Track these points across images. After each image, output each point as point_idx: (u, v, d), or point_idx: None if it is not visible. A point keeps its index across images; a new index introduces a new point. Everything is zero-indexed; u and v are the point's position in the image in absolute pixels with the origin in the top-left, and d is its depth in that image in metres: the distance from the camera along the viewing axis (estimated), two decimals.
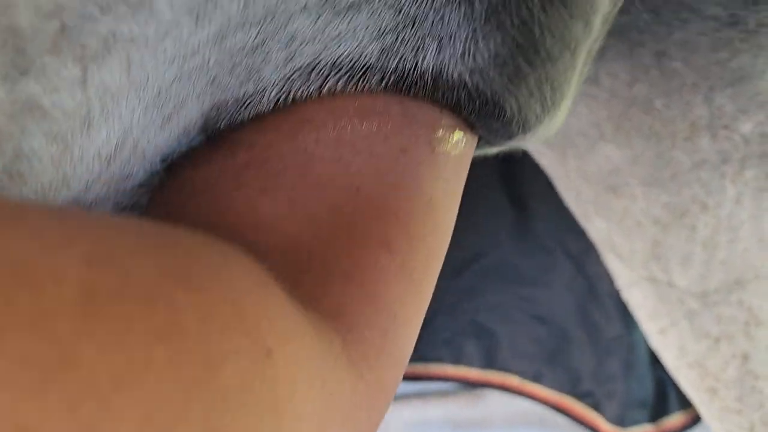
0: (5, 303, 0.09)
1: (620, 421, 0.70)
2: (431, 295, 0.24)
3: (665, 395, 0.70)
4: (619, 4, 0.24)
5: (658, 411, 0.71)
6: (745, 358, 0.53)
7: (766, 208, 0.47)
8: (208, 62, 0.18)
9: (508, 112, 0.21)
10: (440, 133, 0.21)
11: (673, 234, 0.52)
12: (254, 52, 0.18)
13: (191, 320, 0.12)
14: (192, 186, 0.20)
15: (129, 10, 0.16)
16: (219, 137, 0.21)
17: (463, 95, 0.20)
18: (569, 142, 0.53)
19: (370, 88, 0.20)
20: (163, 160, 0.19)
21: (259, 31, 0.18)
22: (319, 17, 0.18)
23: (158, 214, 0.20)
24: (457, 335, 0.69)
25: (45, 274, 0.10)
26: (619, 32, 0.43)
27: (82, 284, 0.11)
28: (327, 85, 0.20)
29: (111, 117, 0.17)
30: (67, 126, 0.17)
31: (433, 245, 0.22)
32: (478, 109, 0.21)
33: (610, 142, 0.51)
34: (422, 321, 0.23)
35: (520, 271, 0.70)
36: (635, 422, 0.70)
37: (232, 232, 0.18)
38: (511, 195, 0.71)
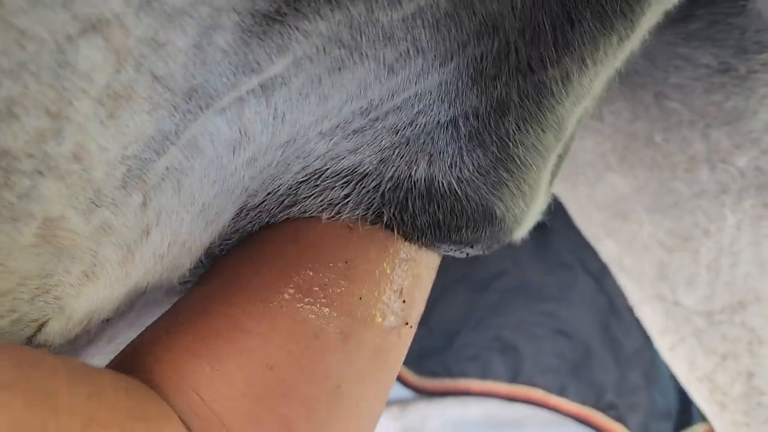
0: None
1: None
2: None
3: (688, 406, 0.71)
4: (592, 108, 0.27)
5: (681, 421, 0.71)
6: (750, 375, 0.55)
7: (764, 235, 0.49)
8: (243, 179, 0.21)
9: (498, 213, 0.24)
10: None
11: (678, 257, 0.54)
12: (278, 165, 0.22)
13: None
14: (139, 347, 0.23)
15: (180, 151, 0.19)
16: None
17: (456, 206, 0.24)
18: (579, 172, 0.56)
19: (366, 194, 0.23)
20: (206, 254, 0.24)
21: (283, 151, 0.22)
22: (331, 139, 0.22)
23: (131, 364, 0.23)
24: (482, 351, 0.72)
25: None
26: (621, 75, 0.45)
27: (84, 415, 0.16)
28: (328, 193, 0.23)
29: (165, 227, 0.21)
30: (131, 237, 0.21)
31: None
32: (473, 218, 0.24)
33: (615, 173, 0.53)
34: None
35: (542, 289, 0.72)
36: None
37: (161, 390, 0.21)
38: None
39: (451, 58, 0.21)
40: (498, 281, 0.72)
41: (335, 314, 0.23)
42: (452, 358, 0.72)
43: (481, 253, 0.26)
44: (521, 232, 0.27)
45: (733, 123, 0.43)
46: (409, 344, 0.26)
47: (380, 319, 0.24)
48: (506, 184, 0.24)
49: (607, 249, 0.61)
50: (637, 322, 0.70)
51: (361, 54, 0.20)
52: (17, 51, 0.15)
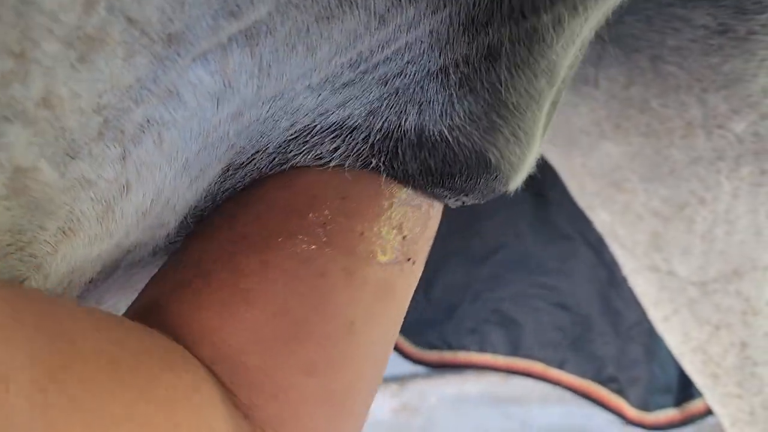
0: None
1: (645, 406, 0.71)
2: (364, 419, 0.25)
3: (689, 380, 0.71)
4: (582, 54, 0.26)
5: (682, 395, 0.72)
6: (744, 345, 0.55)
7: (762, 203, 0.48)
8: (228, 134, 0.21)
9: (493, 160, 0.24)
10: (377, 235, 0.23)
11: (673, 226, 0.54)
12: (265, 121, 0.21)
13: (165, 398, 0.17)
14: (150, 301, 0.24)
15: (159, 101, 0.18)
16: (169, 256, 0.24)
17: (448, 154, 0.23)
18: (573, 140, 0.55)
19: (356, 145, 0.23)
20: (192, 213, 0.23)
21: (270, 106, 0.21)
22: (320, 94, 0.21)
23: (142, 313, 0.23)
24: (482, 324, 0.72)
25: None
26: (616, 39, 0.44)
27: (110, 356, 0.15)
28: (317, 148, 0.23)
29: (146, 182, 0.20)
30: (110, 191, 0.20)
31: (358, 369, 0.23)
32: (466, 165, 0.24)
33: (610, 140, 0.52)
34: None
35: (542, 261, 0.72)
36: (660, 406, 0.71)
37: (183, 341, 0.21)
38: (529, 184, 0.73)
39: (444, 6, 0.21)
40: (498, 253, 0.72)
41: (337, 252, 0.23)
42: (451, 330, 0.72)
43: (477, 201, 0.26)
44: (517, 181, 0.27)
45: (730, 87, 0.42)
46: (414, 282, 0.26)
47: (382, 255, 0.24)
48: (500, 130, 0.23)
49: (600, 219, 0.61)
50: None
51: (351, 2, 0.20)
52: None
